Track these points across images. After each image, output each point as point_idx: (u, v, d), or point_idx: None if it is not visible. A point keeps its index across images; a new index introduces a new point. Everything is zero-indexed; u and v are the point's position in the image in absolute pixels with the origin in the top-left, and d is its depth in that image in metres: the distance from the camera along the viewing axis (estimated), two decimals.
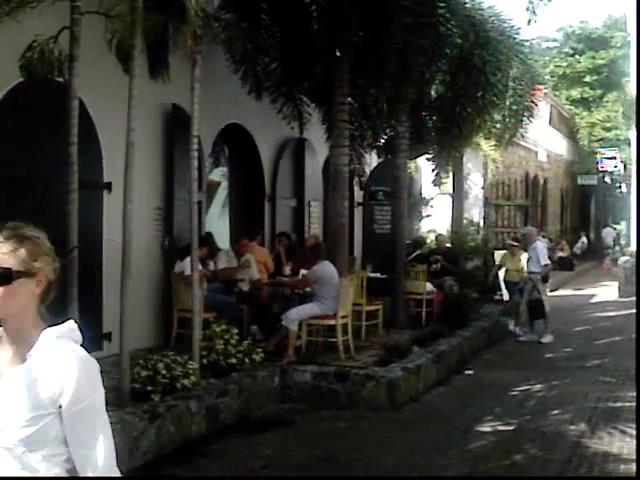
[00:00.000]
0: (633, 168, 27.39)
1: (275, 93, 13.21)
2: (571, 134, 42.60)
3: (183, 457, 7.67)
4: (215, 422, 8.61)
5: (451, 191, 21.72)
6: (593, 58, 43.46)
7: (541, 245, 15.49)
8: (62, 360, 2.43)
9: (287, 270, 13.29)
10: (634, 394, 10.49)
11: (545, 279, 15.28)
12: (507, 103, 17.18)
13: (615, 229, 43.15)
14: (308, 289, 11.34)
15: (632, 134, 27.57)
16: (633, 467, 7.52)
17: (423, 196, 24.91)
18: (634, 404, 9.95)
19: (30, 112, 9.00)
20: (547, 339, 14.95)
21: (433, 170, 19.32)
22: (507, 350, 14.48)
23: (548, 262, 15.23)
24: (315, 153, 16.24)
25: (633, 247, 25.64)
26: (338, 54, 11.83)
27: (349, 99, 12.49)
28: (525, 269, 15.33)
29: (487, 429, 8.89)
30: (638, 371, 11.49)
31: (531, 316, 15.20)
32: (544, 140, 34.78)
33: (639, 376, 11.10)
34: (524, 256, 15.59)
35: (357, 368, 10.21)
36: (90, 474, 2.43)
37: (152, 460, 7.46)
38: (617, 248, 37.22)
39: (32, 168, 9.33)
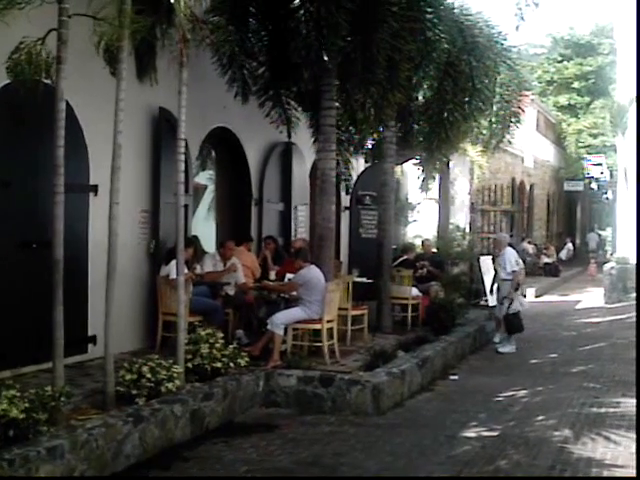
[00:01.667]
0: (619, 175, 27.46)
1: (263, 97, 13.20)
2: (558, 140, 42.75)
3: (167, 461, 7.66)
4: (199, 426, 8.59)
5: (437, 196, 21.76)
6: (581, 65, 43.62)
7: (510, 252, 15.18)
8: None
9: (273, 274, 13.28)
10: (618, 400, 10.56)
11: (516, 288, 15.00)
12: (494, 109, 17.20)
13: (600, 235, 43.40)
14: (294, 293, 11.34)
15: (618, 141, 27.64)
16: (617, 473, 7.57)
17: (409, 201, 24.96)
18: (618, 410, 10.02)
19: (17, 114, 8.97)
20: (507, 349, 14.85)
21: (420, 175, 19.35)
22: (492, 356, 14.51)
23: (516, 269, 14.83)
24: (302, 157, 16.24)
25: (618, 254, 25.74)
26: (326, 58, 11.84)
27: (336, 103, 12.51)
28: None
29: (472, 434, 8.90)
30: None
31: (509, 330, 14.91)
32: (531, 146, 34.90)
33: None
34: None
35: (342, 373, 10.21)
36: None
37: (135, 464, 7.45)
38: (601, 252, 37.43)
39: (18, 170, 9.30)
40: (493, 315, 16.08)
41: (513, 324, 14.74)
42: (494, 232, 27.23)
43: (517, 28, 13.91)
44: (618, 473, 7.57)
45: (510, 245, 16.00)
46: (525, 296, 20.17)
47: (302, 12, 11.56)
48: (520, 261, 15.41)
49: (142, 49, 10.17)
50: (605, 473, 7.59)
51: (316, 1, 11.13)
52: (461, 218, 25.68)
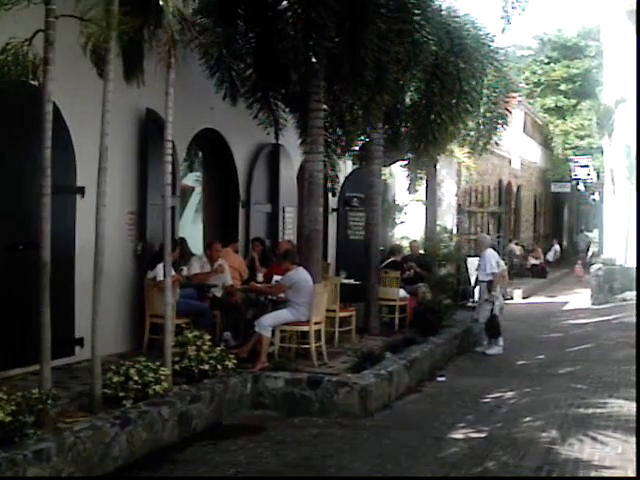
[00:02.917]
0: (606, 176, 27.57)
1: (250, 99, 13.19)
2: (545, 142, 42.83)
3: (155, 463, 7.64)
4: (187, 428, 8.58)
5: (425, 198, 21.77)
6: (568, 67, 43.70)
7: (490, 253, 15.11)
8: None
9: (260, 276, 13.25)
10: (605, 401, 10.59)
11: (490, 288, 14.81)
12: (481, 111, 17.25)
13: (587, 236, 43.55)
14: (282, 295, 11.33)
15: (605, 142, 27.73)
16: (604, 474, 7.59)
17: (397, 203, 24.98)
18: (605, 410, 10.04)
19: (3, 115, 8.94)
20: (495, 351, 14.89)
21: (407, 177, 19.38)
22: (479, 357, 14.53)
23: (496, 270, 14.75)
24: (290, 159, 16.23)
25: (605, 255, 25.88)
26: (314, 60, 11.84)
27: (324, 105, 12.50)
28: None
29: (459, 436, 8.90)
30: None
31: (489, 333, 14.90)
32: (518, 148, 34.95)
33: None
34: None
35: (330, 375, 10.21)
36: None
37: (123, 466, 7.43)
38: (590, 252, 37.57)
39: (4, 171, 9.26)
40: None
41: (493, 327, 14.70)
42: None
43: (503, 31, 13.92)
44: (606, 474, 7.59)
45: (492, 247, 15.94)
46: (512, 298, 20.19)
47: (290, 14, 11.55)
48: (501, 263, 15.40)
49: (129, 50, 10.12)
50: (593, 474, 7.61)
51: (304, 3, 11.14)
52: (448, 219, 25.73)
